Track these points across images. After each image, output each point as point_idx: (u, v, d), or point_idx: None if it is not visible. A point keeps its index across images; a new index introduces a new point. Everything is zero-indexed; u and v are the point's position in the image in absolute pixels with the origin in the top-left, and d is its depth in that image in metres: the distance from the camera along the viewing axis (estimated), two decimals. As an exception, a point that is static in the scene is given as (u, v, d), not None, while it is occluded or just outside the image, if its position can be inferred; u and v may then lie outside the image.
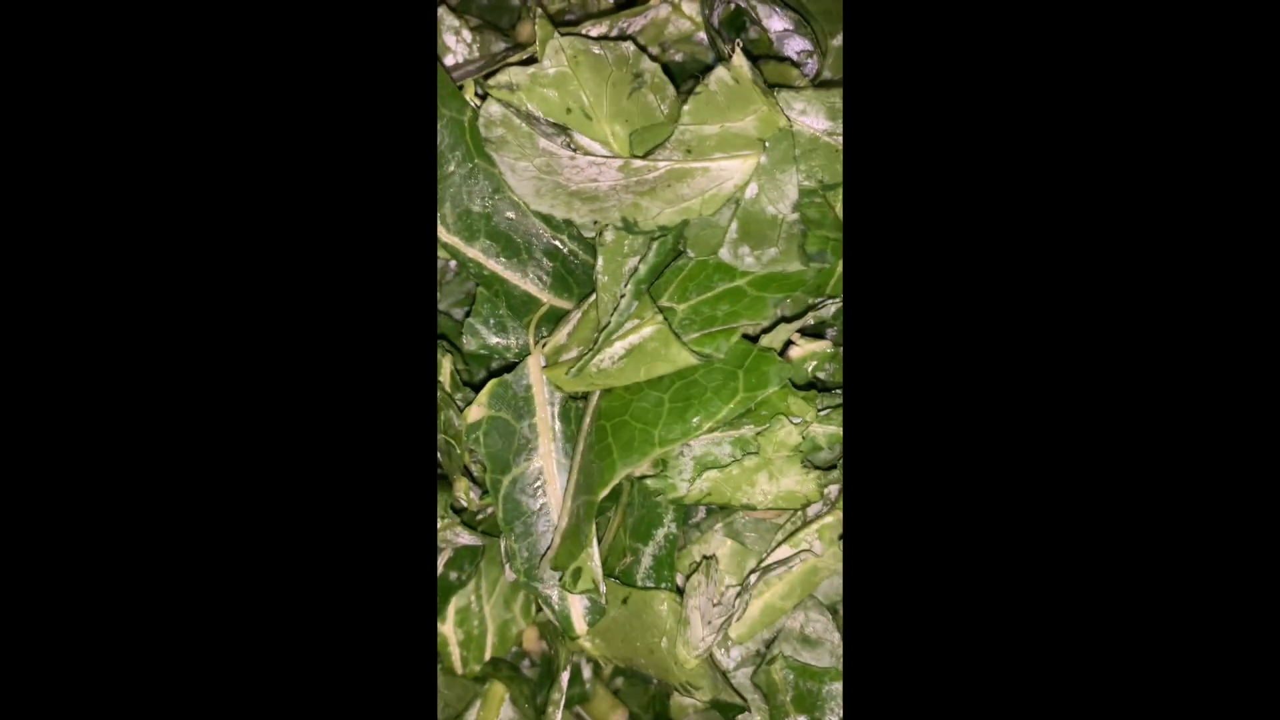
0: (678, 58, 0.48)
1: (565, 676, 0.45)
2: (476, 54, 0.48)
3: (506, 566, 0.40)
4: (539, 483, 0.40)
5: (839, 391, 0.42)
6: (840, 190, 0.39)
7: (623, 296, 0.35)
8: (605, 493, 0.36)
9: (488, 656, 0.49)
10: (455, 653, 0.49)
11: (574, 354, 0.38)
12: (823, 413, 0.39)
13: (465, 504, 0.41)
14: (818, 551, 0.40)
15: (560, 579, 0.37)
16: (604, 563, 0.44)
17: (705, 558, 0.43)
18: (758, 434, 0.40)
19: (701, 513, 0.47)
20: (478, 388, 0.40)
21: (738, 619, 0.41)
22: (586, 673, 0.52)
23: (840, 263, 0.39)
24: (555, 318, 0.42)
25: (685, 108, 0.37)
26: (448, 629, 0.49)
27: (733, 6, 0.46)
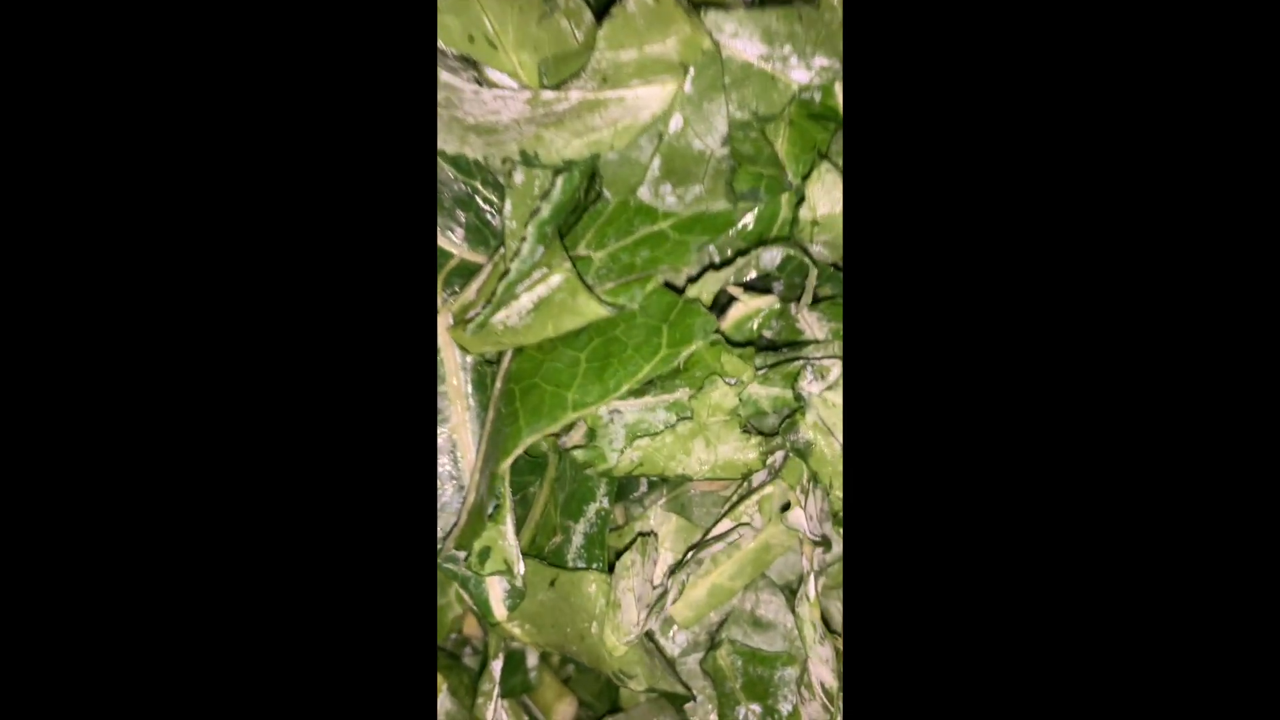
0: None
1: (497, 665, 0.42)
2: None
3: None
4: (452, 454, 0.36)
5: (786, 350, 0.38)
6: (780, 123, 0.35)
7: (524, 241, 0.31)
8: (509, 462, 0.32)
9: (422, 645, 0.45)
10: (386, 641, 0.46)
11: (480, 311, 0.34)
12: (761, 372, 0.35)
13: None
14: (757, 526, 0.37)
15: (466, 559, 0.34)
16: (533, 542, 0.41)
17: (641, 534, 0.39)
18: (691, 397, 0.36)
19: (644, 486, 0.43)
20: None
21: (674, 600, 0.38)
22: (532, 660, 0.48)
23: (781, 201, 0.35)
24: (466, 273, 0.38)
25: (600, 32, 0.33)
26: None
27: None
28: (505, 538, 0.34)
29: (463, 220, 0.38)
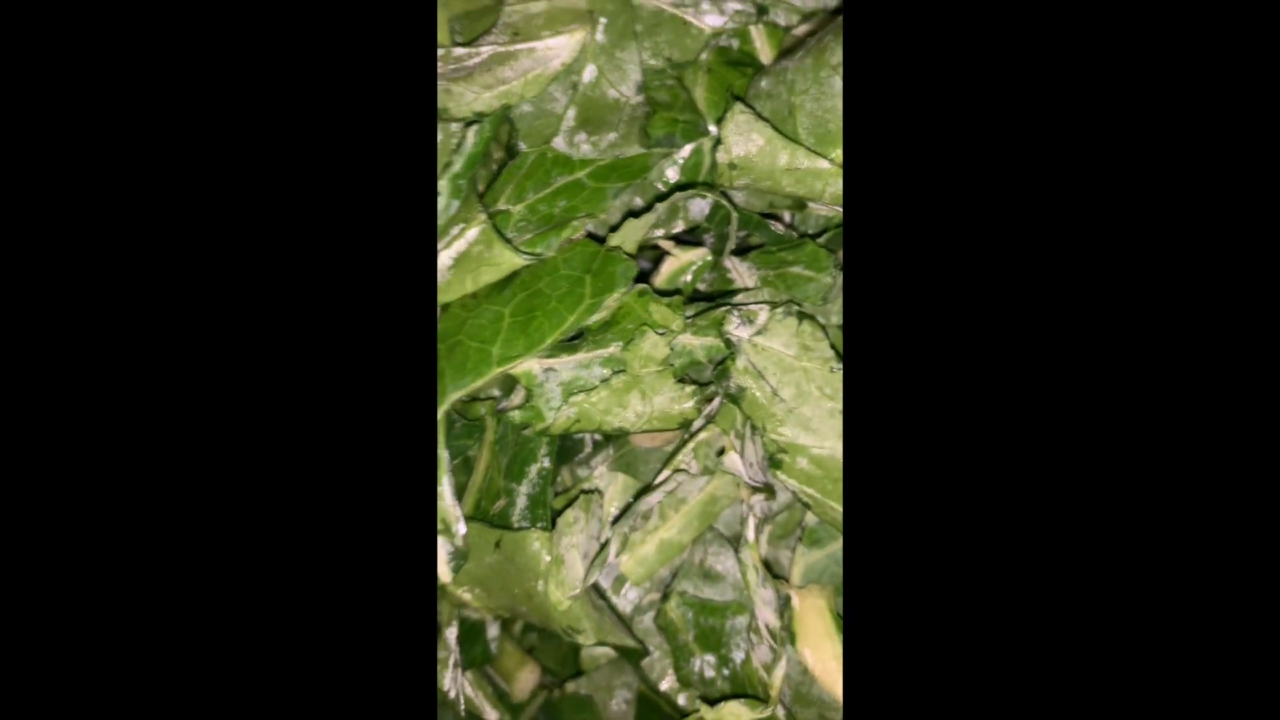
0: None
1: (451, 633, 0.42)
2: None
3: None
4: (386, 421, 0.36)
5: (719, 300, 0.38)
6: (697, 70, 0.35)
7: (439, 196, 0.31)
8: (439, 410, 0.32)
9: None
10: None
11: (408, 273, 0.34)
12: (689, 319, 0.35)
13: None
14: (693, 470, 0.37)
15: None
16: (478, 506, 0.41)
17: (584, 491, 0.39)
18: (623, 349, 0.36)
19: (589, 448, 0.43)
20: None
21: (617, 553, 0.38)
22: (492, 630, 0.48)
23: (704, 149, 0.35)
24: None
25: None
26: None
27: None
28: (443, 499, 0.34)
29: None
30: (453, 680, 0.43)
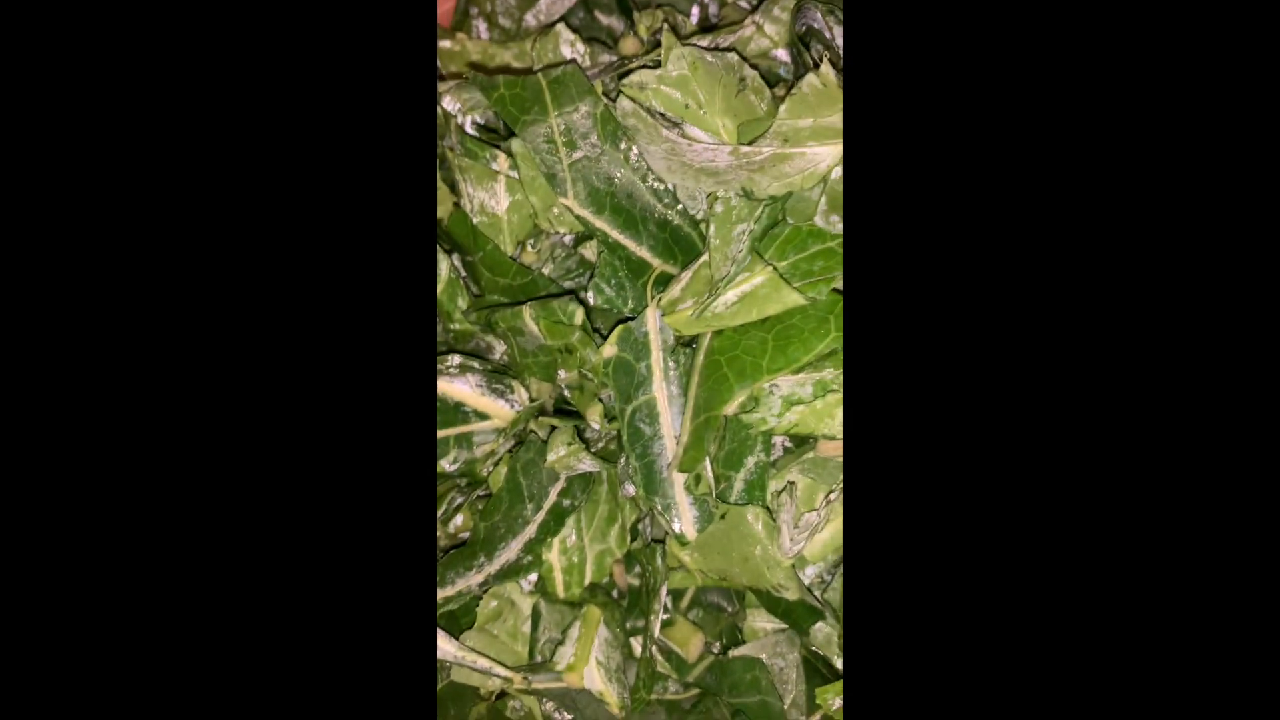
0: (758, 69, 0.57)
1: (664, 590, 0.53)
2: (588, 62, 0.57)
3: (627, 484, 0.48)
4: (653, 412, 0.48)
5: None
6: None
7: (740, 252, 0.43)
8: (727, 408, 0.44)
9: (587, 581, 0.56)
10: (559, 578, 0.57)
11: (687, 305, 0.46)
12: None
13: (596, 426, 0.49)
14: None
15: (685, 482, 0.45)
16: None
17: (789, 482, 0.51)
18: (837, 375, 0.48)
19: (779, 454, 0.55)
20: (604, 336, 0.48)
21: (821, 530, 0.49)
22: (667, 604, 0.59)
23: None
24: (662, 280, 0.50)
25: (783, 106, 0.46)
26: (553, 556, 0.56)
27: (805, 27, 0.55)
28: (707, 470, 0.45)
29: (659, 238, 0.50)
30: (658, 625, 0.54)
